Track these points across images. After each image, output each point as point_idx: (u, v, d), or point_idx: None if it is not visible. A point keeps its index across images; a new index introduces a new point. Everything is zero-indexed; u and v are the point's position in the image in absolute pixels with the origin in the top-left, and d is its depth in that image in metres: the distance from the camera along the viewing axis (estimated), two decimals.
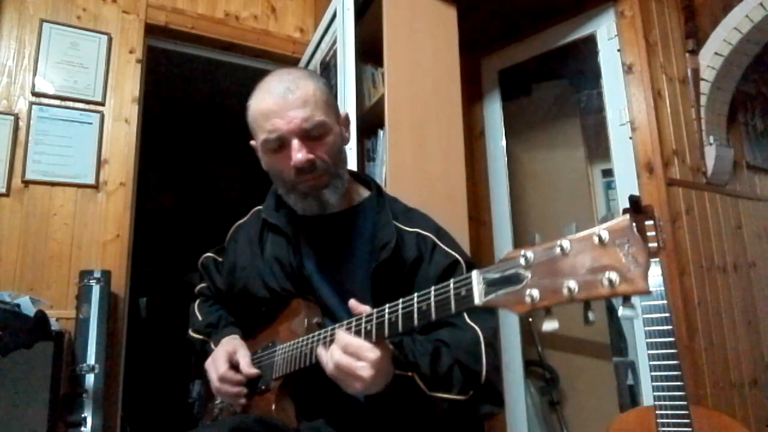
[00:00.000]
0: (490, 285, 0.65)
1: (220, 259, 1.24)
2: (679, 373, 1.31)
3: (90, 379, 1.80)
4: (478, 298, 0.65)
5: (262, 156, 1.02)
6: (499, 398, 0.92)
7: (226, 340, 1.07)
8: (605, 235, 0.57)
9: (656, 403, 1.33)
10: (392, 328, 0.76)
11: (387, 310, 0.78)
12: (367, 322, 0.80)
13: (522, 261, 0.62)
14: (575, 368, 2.72)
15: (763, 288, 2.41)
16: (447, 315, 0.70)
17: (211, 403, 1.12)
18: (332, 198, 1.01)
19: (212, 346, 1.09)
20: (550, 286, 0.59)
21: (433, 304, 0.72)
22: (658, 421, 1.32)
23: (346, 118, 1.09)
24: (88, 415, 1.75)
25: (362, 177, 1.16)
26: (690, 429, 1.29)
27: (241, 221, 1.23)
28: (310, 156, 0.95)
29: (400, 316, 0.76)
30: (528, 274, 0.61)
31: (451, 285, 0.70)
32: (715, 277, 2.21)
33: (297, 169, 0.96)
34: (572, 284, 0.57)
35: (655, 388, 1.34)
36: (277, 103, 0.96)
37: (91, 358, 1.82)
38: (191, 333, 1.20)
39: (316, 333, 0.90)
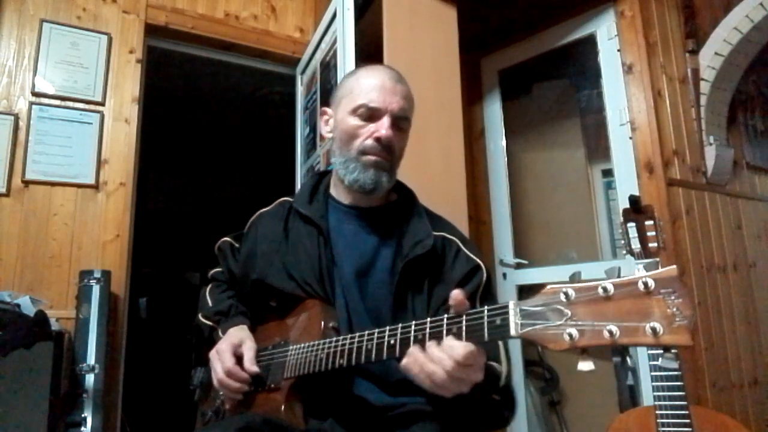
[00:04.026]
0: (527, 317, 0.64)
1: (237, 245, 1.23)
2: (679, 373, 1.31)
3: (90, 379, 1.79)
4: (514, 330, 0.65)
5: (345, 117, 1.07)
6: (515, 404, 0.93)
7: (233, 330, 1.07)
8: (651, 283, 0.57)
9: (656, 403, 1.33)
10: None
11: (413, 328, 0.77)
12: (390, 336, 0.80)
13: (562, 297, 0.61)
14: (575, 368, 2.71)
15: (763, 288, 2.41)
16: (478, 341, 0.70)
17: (213, 392, 1.12)
18: (386, 182, 1.06)
19: (220, 334, 1.08)
20: (590, 327, 0.59)
21: (464, 328, 0.71)
22: (658, 421, 1.32)
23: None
24: (88, 415, 1.75)
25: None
26: (690, 429, 1.29)
27: (264, 209, 1.23)
28: (393, 138, 1.04)
29: (427, 335, 0.75)
30: (568, 312, 0.61)
31: (486, 312, 0.69)
32: (715, 277, 2.21)
33: (378, 141, 1.03)
34: (614, 328, 0.57)
35: (655, 388, 1.34)
36: (389, 83, 1.06)
37: (91, 358, 1.82)
38: (200, 318, 1.19)
39: (335, 340, 0.89)
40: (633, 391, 2.20)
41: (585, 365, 0.62)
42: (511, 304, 0.66)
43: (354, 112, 1.05)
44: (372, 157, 1.04)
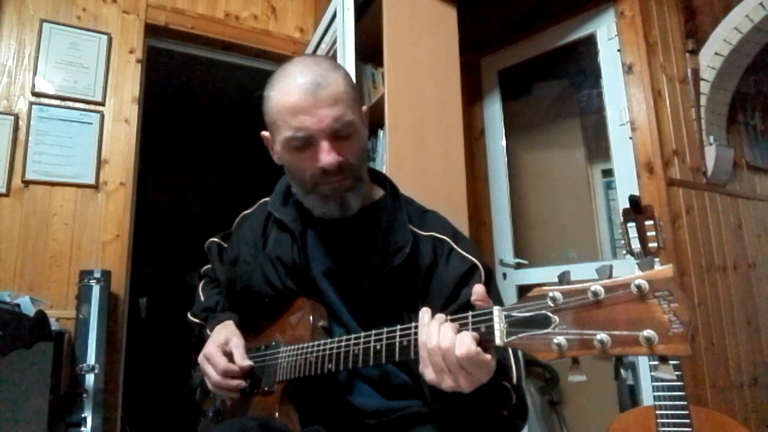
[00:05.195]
0: (513, 325, 0.61)
1: (225, 245, 1.21)
2: (679, 373, 1.31)
3: (90, 379, 1.80)
4: (499, 339, 0.62)
5: (282, 152, 0.95)
6: (526, 412, 0.87)
7: (218, 329, 1.04)
8: (645, 286, 0.52)
9: (656, 403, 1.33)
10: (403, 353, 0.75)
11: (398, 333, 0.76)
12: (377, 341, 0.78)
13: (549, 302, 0.58)
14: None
15: (763, 288, 2.41)
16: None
17: (212, 392, 1.12)
18: (355, 202, 0.95)
19: (208, 332, 1.06)
20: (580, 336, 0.55)
21: None
22: (658, 421, 1.32)
23: (366, 114, 1.02)
24: (88, 415, 1.75)
25: (377, 174, 1.09)
26: (690, 429, 1.29)
27: (246, 211, 1.19)
28: (340, 158, 0.89)
29: (412, 342, 0.74)
30: (555, 319, 0.57)
31: (470, 318, 0.67)
32: (715, 277, 2.21)
33: (324, 171, 0.90)
34: (605, 337, 0.53)
35: (655, 388, 1.34)
36: (307, 99, 0.88)
37: (91, 358, 1.82)
38: (189, 316, 1.17)
39: (323, 343, 0.88)
40: (633, 391, 2.20)
41: (576, 377, 0.58)
42: (496, 311, 0.63)
43: (287, 146, 0.92)
44: (327, 187, 0.92)
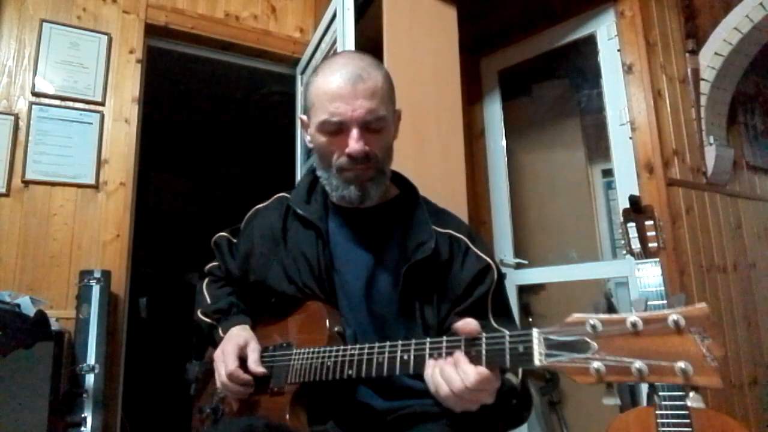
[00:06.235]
0: (552, 347, 0.64)
1: (234, 240, 1.21)
2: None
3: (90, 379, 1.79)
4: (537, 360, 0.64)
5: (314, 134, 1.00)
6: (531, 403, 0.92)
7: (236, 330, 1.05)
8: (681, 322, 0.56)
9: (656, 403, 1.33)
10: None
11: (428, 345, 0.77)
12: (404, 351, 0.79)
13: (589, 329, 0.61)
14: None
15: (763, 288, 2.41)
16: (498, 366, 0.69)
17: (211, 388, 1.11)
18: (375, 192, 1.00)
19: (221, 333, 1.07)
20: (618, 363, 0.58)
21: (484, 353, 0.70)
22: (658, 421, 1.32)
23: (399, 115, 1.09)
24: (88, 415, 1.75)
25: (395, 173, 1.13)
26: (690, 429, 1.29)
27: (260, 205, 1.19)
28: (367, 148, 0.96)
29: (444, 355, 0.74)
30: (594, 345, 0.60)
31: (507, 338, 0.68)
32: (715, 277, 2.21)
33: (350, 157, 0.96)
34: (642, 366, 0.57)
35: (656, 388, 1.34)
36: (346, 88, 0.95)
37: (91, 358, 1.82)
38: (199, 315, 1.17)
39: (342, 348, 0.88)
40: (633, 390, 2.20)
41: (610, 400, 0.61)
42: (535, 332, 0.65)
43: (320, 128, 0.97)
44: (351, 173, 0.98)
